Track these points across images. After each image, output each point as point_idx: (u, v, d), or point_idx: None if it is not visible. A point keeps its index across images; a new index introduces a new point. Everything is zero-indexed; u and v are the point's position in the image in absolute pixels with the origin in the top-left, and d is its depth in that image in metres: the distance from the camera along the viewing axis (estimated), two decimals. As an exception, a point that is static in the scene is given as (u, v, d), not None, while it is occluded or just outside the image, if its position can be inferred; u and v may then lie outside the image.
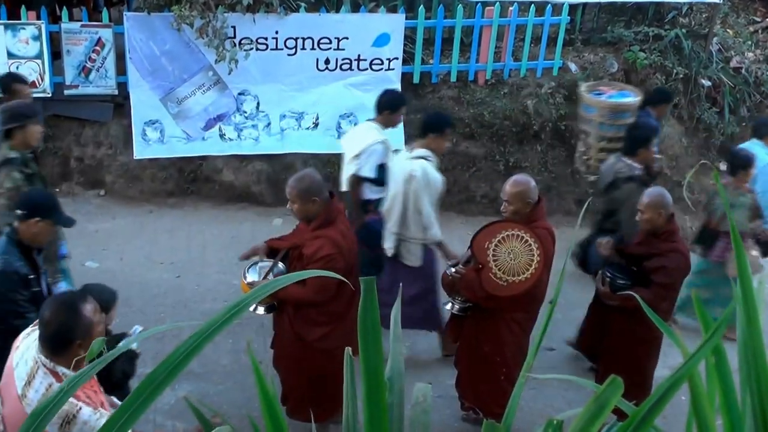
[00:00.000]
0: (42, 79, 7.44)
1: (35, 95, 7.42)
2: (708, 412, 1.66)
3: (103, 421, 2.56)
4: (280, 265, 4.43)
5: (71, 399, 2.70)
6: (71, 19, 7.58)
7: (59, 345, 2.81)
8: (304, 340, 4.40)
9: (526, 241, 4.37)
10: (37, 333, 2.92)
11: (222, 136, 7.86)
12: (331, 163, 8.08)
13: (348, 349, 1.70)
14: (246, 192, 7.99)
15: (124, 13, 7.43)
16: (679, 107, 8.83)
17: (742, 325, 1.73)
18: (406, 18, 8.01)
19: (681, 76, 8.69)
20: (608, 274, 4.76)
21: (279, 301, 4.37)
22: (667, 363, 5.47)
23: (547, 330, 1.92)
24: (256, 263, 4.47)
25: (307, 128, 8.02)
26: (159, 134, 7.67)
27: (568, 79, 8.53)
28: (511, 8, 8.25)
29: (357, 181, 5.56)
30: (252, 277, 4.39)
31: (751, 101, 9.14)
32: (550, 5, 8.34)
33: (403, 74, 8.16)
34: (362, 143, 5.60)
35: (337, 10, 7.99)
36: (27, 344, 2.93)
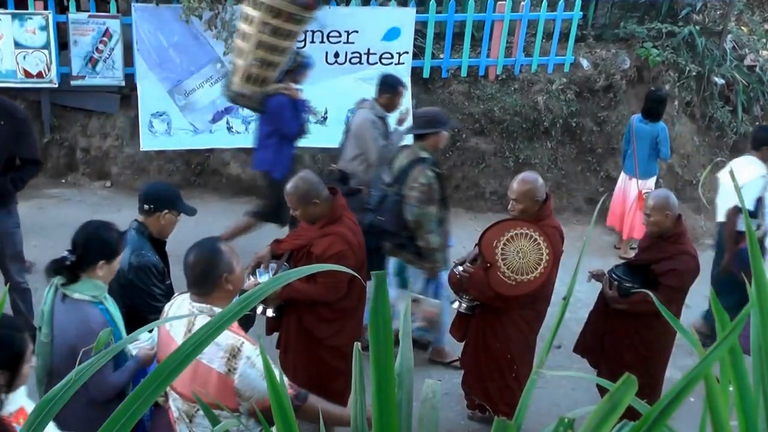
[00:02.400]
0: (49, 70, 7.41)
1: (40, 86, 7.42)
2: (723, 412, 1.61)
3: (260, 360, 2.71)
4: (285, 266, 4.39)
5: (234, 334, 2.88)
6: (79, 9, 7.54)
7: (208, 282, 2.98)
8: (314, 337, 4.35)
9: (535, 239, 4.31)
10: (178, 300, 3.13)
11: (229, 128, 7.83)
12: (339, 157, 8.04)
13: (357, 344, 1.66)
14: (253, 185, 7.94)
15: (132, 4, 7.39)
16: (692, 105, 8.75)
17: (756, 327, 1.70)
18: (417, 12, 7.96)
19: (694, 73, 8.61)
20: (614, 277, 4.69)
21: (287, 301, 4.32)
22: (676, 363, 5.41)
23: (558, 327, 1.87)
24: (258, 266, 4.43)
25: (316, 122, 7.96)
26: (166, 126, 7.64)
27: (579, 75, 8.46)
28: (522, 3, 8.19)
29: (735, 212, 5.75)
30: (256, 279, 4.36)
31: (765, 100, 9.05)
32: (562, 0, 8.27)
33: (413, 69, 8.11)
34: (744, 177, 5.75)
35: (347, 4, 7.93)
36: (174, 309, 3.12)
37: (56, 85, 7.53)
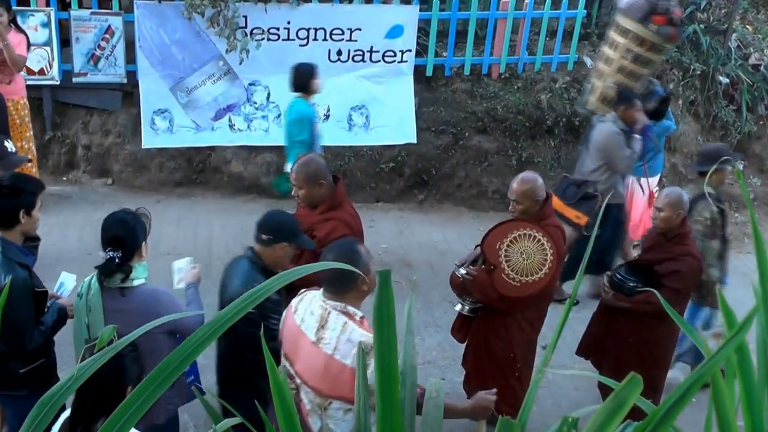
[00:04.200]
0: (50, 67, 7.39)
1: (42, 83, 7.40)
2: (729, 411, 1.60)
3: None
4: None
5: (368, 333, 3.00)
6: (81, 6, 7.51)
7: (346, 282, 3.09)
8: None
9: (539, 240, 4.27)
10: (308, 296, 3.24)
11: (231, 126, 7.81)
12: (341, 155, 8.03)
13: (360, 343, 1.64)
14: (255, 183, 7.94)
15: (135, 1, 7.37)
16: (696, 104, 8.72)
17: (762, 325, 1.69)
18: (420, 10, 7.93)
19: (698, 72, 8.57)
20: (618, 277, 4.67)
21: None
22: (678, 363, 5.39)
23: (563, 327, 1.86)
24: None
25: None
26: (168, 124, 7.62)
27: (583, 73, 8.43)
28: (526, 1, 8.16)
29: None
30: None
31: (770, 99, 9.01)
32: (566, -2, 8.25)
33: (416, 67, 8.08)
34: None
35: (350, 1, 7.90)
36: (306, 304, 3.23)
37: (58, 82, 7.51)
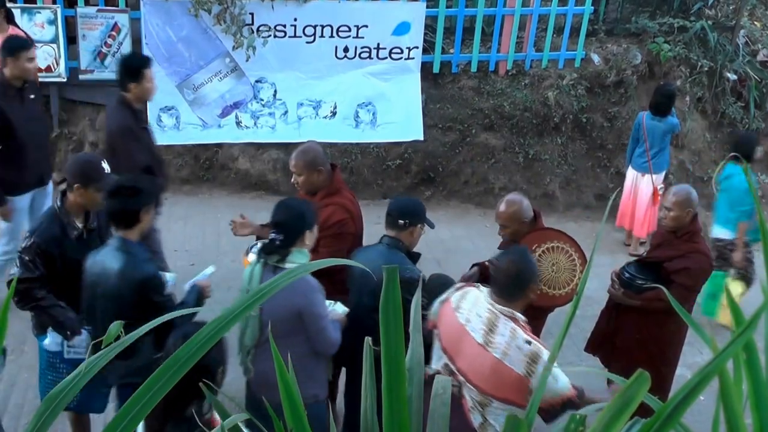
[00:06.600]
0: (57, 64, 7.41)
1: (49, 80, 7.42)
2: (737, 409, 1.59)
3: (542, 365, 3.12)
4: None
5: (535, 341, 3.17)
6: (87, 3, 7.53)
7: (516, 290, 3.26)
8: None
9: (573, 259, 4.25)
10: (472, 295, 3.38)
11: (238, 123, 7.82)
12: (348, 152, 8.03)
13: (368, 339, 1.64)
14: (262, 180, 7.95)
15: (141, -2, 7.39)
16: (704, 101, 8.68)
17: (768, 324, 1.68)
18: (427, 6, 7.93)
19: (706, 69, 8.54)
20: (627, 275, 4.65)
21: None
22: (685, 361, 5.37)
23: (569, 324, 1.85)
24: (256, 243, 4.48)
25: (325, 117, 7.96)
26: (175, 121, 7.63)
27: (590, 70, 8.41)
28: (533, -3, 8.15)
29: None
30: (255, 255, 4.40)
31: (777, 96, 8.96)
32: (573, -5, 8.23)
33: (423, 64, 8.08)
34: None
35: (357, -2, 7.91)
36: (470, 303, 3.36)
37: (65, 80, 7.53)
